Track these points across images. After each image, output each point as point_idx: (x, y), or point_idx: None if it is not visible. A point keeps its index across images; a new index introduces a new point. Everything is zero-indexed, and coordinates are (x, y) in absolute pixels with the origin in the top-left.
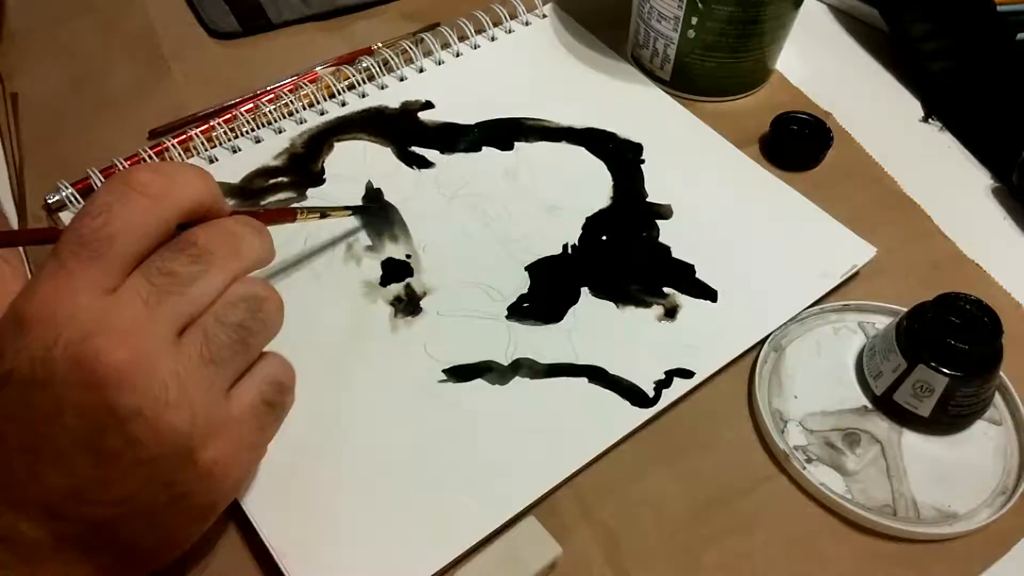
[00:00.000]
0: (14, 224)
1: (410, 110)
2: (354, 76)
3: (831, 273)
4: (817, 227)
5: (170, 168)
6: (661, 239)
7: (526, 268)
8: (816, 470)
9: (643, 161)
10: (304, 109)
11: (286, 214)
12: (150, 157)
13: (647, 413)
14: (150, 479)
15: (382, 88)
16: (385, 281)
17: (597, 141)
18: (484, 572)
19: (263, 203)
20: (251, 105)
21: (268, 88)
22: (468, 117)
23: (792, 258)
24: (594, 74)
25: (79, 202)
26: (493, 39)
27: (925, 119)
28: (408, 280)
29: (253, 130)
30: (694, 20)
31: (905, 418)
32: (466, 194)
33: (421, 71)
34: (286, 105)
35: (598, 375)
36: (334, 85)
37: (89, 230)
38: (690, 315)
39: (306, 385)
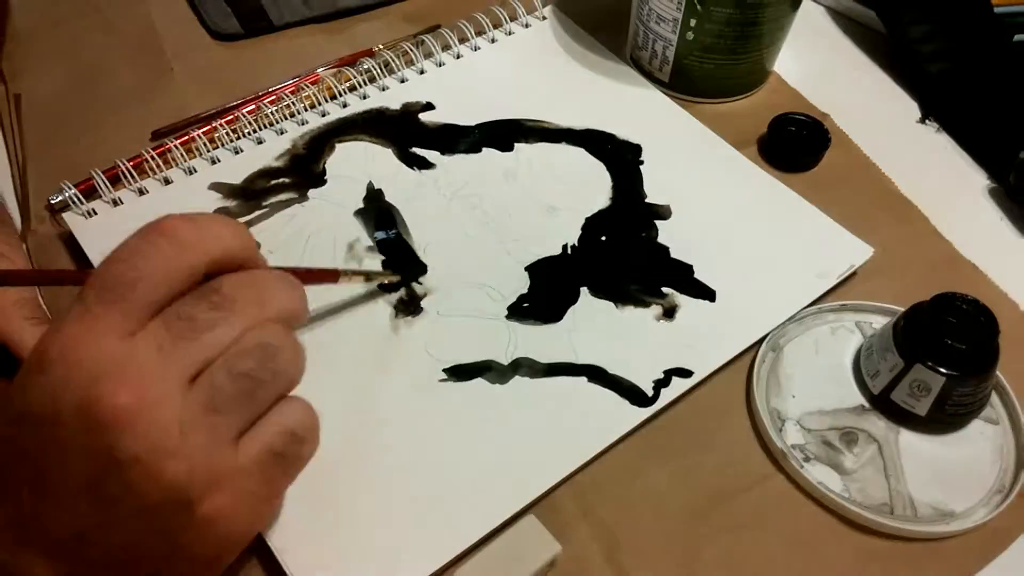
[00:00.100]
0: (18, 223)
1: (411, 111)
2: (355, 78)
3: (829, 273)
4: (815, 227)
5: (202, 217)
6: (660, 239)
7: (526, 268)
8: (814, 469)
9: (642, 162)
10: (306, 110)
11: (327, 275)
12: (152, 158)
13: (646, 412)
14: (149, 527)
15: (383, 89)
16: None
17: (596, 142)
18: (484, 570)
19: (264, 203)
20: (253, 106)
21: (270, 89)
22: (468, 118)
23: (790, 258)
24: (593, 76)
25: (82, 202)
26: (493, 41)
27: (922, 120)
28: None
29: (255, 131)
30: (693, 22)
31: (902, 417)
32: (466, 195)
33: (422, 73)
34: (288, 106)
35: (597, 374)
36: (335, 86)
37: (113, 275)
38: (689, 315)
39: (306, 385)
